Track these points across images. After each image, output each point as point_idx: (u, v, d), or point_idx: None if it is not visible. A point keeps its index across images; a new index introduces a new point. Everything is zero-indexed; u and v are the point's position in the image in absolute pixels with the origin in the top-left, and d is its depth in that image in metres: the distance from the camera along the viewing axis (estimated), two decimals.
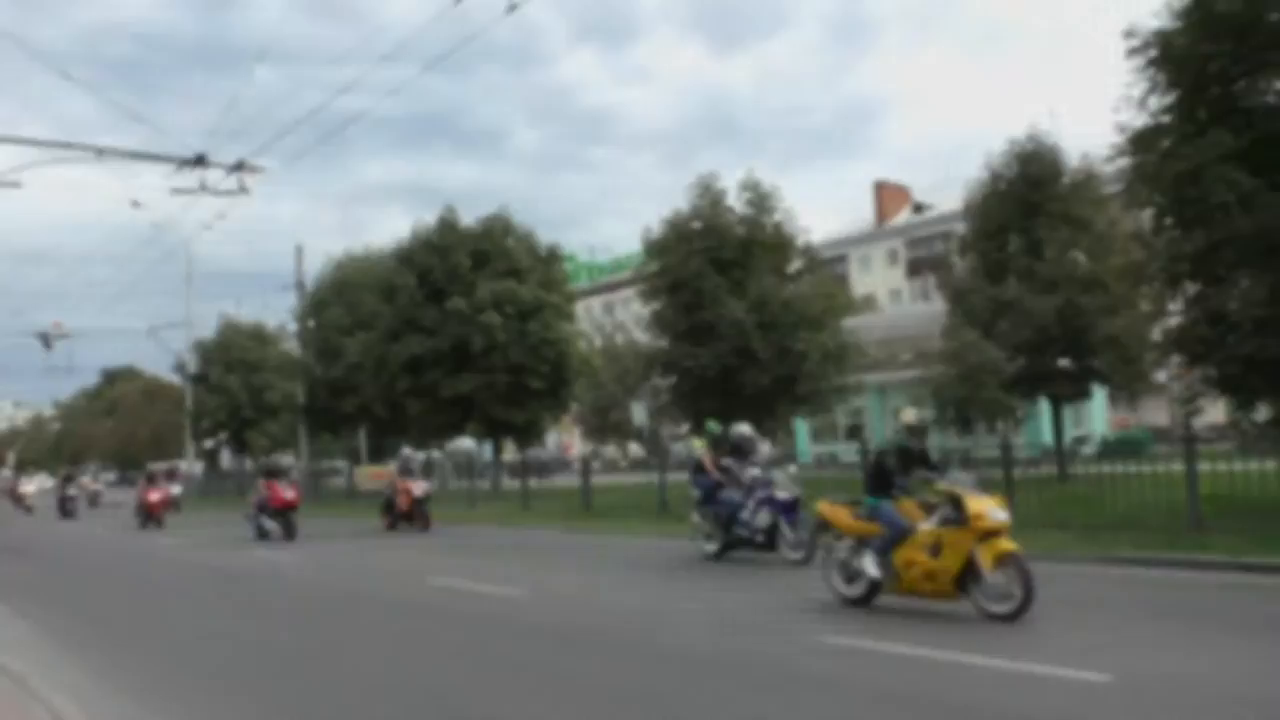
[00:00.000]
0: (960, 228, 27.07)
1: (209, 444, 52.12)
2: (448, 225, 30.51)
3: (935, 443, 25.44)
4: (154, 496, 26.62)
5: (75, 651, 8.79)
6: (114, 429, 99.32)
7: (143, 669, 7.99)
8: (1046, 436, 26.56)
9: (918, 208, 67.72)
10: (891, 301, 64.05)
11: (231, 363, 45.82)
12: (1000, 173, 22.67)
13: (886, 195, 69.37)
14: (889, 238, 68.15)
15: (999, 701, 5.69)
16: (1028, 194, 22.03)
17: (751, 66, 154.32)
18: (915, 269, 64.38)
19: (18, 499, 42.35)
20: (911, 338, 35.59)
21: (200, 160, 17.31)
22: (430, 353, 28.82)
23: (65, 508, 33.33)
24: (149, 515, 26.37)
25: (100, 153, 17.16)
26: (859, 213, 71.20)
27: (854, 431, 35.34)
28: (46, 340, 42.27)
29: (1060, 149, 22.39)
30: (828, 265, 57.77)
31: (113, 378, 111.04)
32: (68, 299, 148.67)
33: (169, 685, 7.31)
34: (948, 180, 49.61)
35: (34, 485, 55.47)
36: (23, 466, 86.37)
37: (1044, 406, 25.58)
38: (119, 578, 15.47)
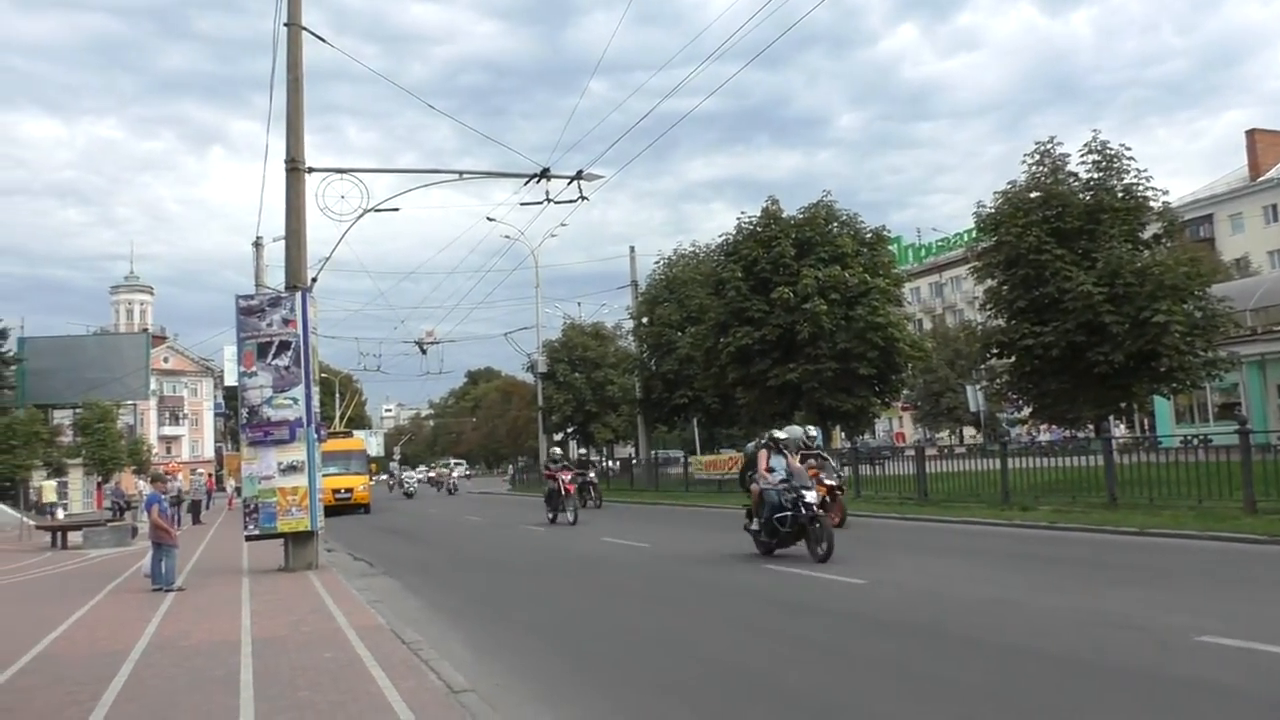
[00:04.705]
0: None
1: (558, 437, 56.18)
2: (771, 216, 30.71)
3: None
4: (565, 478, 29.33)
5: (458, 626, 9.85)
6: (477, 425, 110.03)
7: (514, 643, 8.82)
8: None
9: None
10: (1271, 263, 56.53)
11: (575, 361, 48.95)
12: None
13: (1262, 144, 61.09)
14: (1266, 191, 60.06)
15: None
16: None
17: (1092, 17, 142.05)
18: None
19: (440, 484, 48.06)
20: None
21: (545, 174, 18.73)
22: (758, 343, 29.20)
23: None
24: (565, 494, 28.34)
25: (461, 175, 19.08)
26: (1228, 167, 63.43)
27: (1227, 410, 31.42)
28: (422, 347, 47.96)
29: None
30: (1191, 227, 52.43)
31: (475, 378, 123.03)
32: (439, 309, 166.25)
33: (533, 657, 8.07)
34: None
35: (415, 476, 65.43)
36: (406, 460, 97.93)
37: None
38: (495, 561, 17.08)
